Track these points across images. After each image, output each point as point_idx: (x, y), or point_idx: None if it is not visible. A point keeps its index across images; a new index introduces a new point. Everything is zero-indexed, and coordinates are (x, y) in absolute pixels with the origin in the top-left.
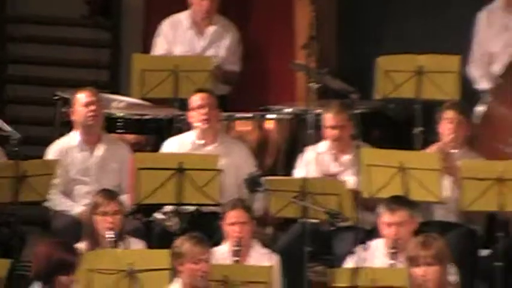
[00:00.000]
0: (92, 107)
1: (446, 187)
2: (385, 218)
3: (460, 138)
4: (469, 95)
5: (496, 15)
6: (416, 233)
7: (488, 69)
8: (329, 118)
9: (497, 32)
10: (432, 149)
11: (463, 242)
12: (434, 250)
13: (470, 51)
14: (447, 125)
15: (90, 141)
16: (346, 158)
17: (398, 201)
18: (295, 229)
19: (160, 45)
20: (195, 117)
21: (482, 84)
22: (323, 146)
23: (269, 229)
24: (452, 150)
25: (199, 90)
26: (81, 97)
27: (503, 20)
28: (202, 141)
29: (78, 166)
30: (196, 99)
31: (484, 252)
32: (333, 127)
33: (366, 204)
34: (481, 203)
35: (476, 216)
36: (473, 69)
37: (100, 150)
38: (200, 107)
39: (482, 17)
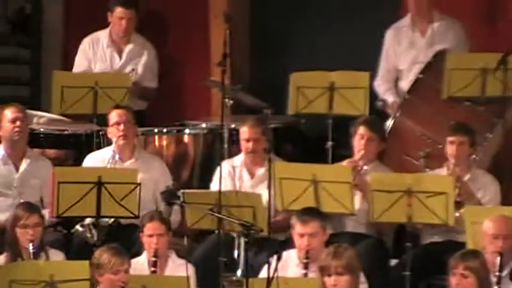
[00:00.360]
0: (18, 123)
1: (357, 199)
2: (298, 229)
3: (371, 154)
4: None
5: (403, 33)
6: (328, 243)
7: (394, 84)
8: (244, 131)
9: (404, 49)
10: (344, 163)
11: (372, 252)
12: (344, 260)
13: (378, 67)
14: (359, 141)
15: (14, 156)
16: (261, 171)
17: (311, 213)
18: (211, 240)
19: (80, 63)
20: (113, 133)
21: (388, 98)
22: (238, 160)
23: (185, 240)
24: (364, 166)
25: (117, 107)
26: (8, 113)
27: (410, 37)
28: (120, 157)
29: (1, 179)
30: (113, 116)
31: (393, 262)
32: (248, 140)
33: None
34: (390, 215)
35: (386, 227)
36: (381, 83)
37: (23, 165)
38: (117, 123)
39: (390, 35)
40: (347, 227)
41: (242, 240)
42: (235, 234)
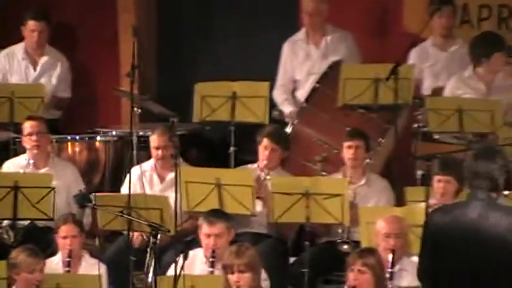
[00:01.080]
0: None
1: (259, 202)
2: (205, 229)
3: (274, 163)
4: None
5: (299, 46)
6: (232, 243)
7: (292, 94)
8: (153, 140)
9: (300, 61)
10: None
11: (273, 251)
12: (246, 259)
13: (277, 78)
14: (263, 152)
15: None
16: (170, 176)
17: (217, 215)
18: (121, 240)
19: None
20: (27, 142)
21: (286, 107)
22: (148, 165)
23: (97, 241)
24: (267, 176)
25: (29, 118)
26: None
27: (305, 50)
28: (35, 164)
29: None
30: (27, 127)
31: (293, 260)
32: (157, 148)
33: None
34: (289, 216)
35: (286, 227)
36: (279, 94)
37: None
38: (30, 134)
39: (287, 48)
40: (250, 227)
41: (151, 240)
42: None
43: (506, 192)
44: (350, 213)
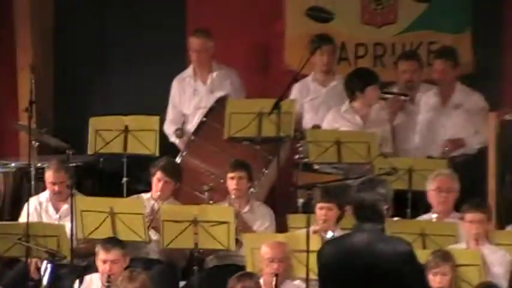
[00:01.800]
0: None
1: (153, 231)
2: (101, 255)
3: (166, 194)
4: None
5: (187, 82)
6: (126, 268)
7: (181, 127)
8: (49, 175)
9: (188, 96)
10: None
11: (164, 275)
12: (138, 283)
13: (167, 112)
14: (156, 184)
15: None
16: (65, 206)
17: (113, 242)
18: (19, 267)
19: None
20: None
21: (176, 140)
22: (44, 196)
23: None
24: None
25: None
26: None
27: (193, 86)
28: None
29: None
30: None
31: (182, 284)
32: (53, 183)
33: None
34: (179, 242)
35: (176, 253)
36: (168, 127)
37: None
38: None
39: (175, 84)
40: (143, 253)
41: (48, 265)
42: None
43: (395, 219)
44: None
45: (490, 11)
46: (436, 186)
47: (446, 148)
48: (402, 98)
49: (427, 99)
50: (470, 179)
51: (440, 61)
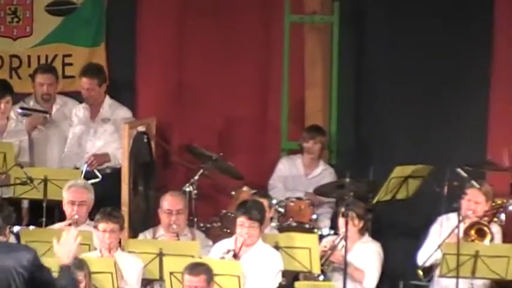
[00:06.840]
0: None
1: None
2: None
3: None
4: None
5: None
6: None
7: None
8: None
9: None
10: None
11: None
12: None
13: None
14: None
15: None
16: None
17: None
18: None
19: None
20: None
21: None
22: None
23: None
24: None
25: None
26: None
27: None
28: None
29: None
30: None
31: None
32: None
33: None
34: None
35: None
36: None
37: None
38: None
39: None
40: None
41: None
42: None
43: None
44: None
45: (123, 25)
46: (70, 196)
47: (93, 161)
48: (42, 115)
49: (77, 112)
50: (117, 191)
51: (86, 79)
